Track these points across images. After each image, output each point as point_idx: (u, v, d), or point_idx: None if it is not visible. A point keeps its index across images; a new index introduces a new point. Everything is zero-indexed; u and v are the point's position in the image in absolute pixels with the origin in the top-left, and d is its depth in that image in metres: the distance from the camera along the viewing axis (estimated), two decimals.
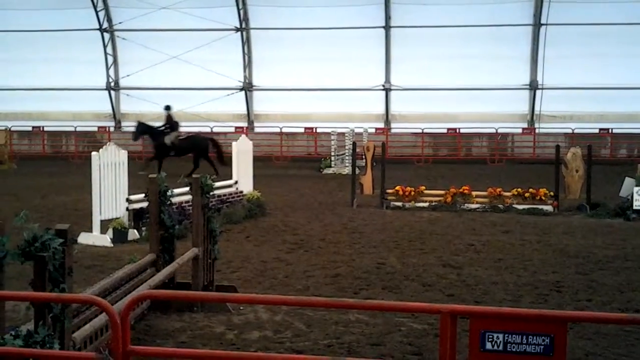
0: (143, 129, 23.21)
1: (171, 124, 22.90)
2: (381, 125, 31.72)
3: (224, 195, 14.38)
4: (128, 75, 32.18)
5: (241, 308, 7.79)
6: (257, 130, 32.15)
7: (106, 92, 32.72)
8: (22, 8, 31.01)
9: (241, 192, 15.21)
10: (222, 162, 22.65)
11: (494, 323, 3.87)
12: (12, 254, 4.83)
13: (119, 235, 12.11)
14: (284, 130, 31.77)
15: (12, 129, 31.52)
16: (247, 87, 32.18)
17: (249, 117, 32.69)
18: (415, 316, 7.41)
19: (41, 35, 31.36)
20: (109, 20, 31.73)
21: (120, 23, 31.56)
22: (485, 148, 31.50)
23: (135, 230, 12.33)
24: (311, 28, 30.43)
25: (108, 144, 12.95)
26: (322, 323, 7.29)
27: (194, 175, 8.56)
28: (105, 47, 32.18)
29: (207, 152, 22.79)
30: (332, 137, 27.04)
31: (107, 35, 31.98)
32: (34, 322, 4.88)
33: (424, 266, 10.12)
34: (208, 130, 31.87)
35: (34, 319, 4.91)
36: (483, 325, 3.88)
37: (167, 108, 23.11)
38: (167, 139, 22.34)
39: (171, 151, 22.49)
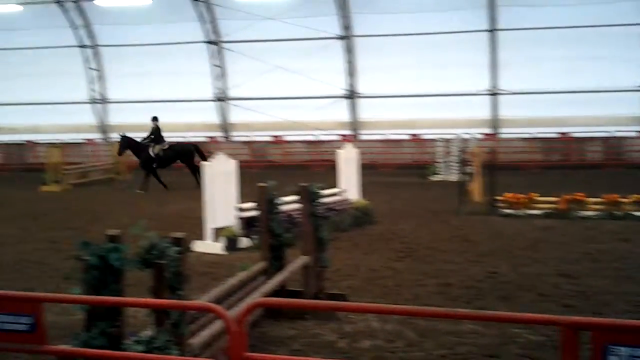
0: (126, 144, 23.01)
1: (156, 135, 22.71)
2: (487, 130, 31.11)
3: (332, 203, 14.42)
4: (235, 86, 32.92)
5: (351, 316, 7.77)
6: (362, 137, 32.16)
7: (215, 103, 33.58)
8: (135, 23, 32.18)
9: (348, 200, 15.22)
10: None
11: (618, 336, 3.69)
12: (131, 262, 4.99)
13: (231, 243, 12.37)
14: (389, 137, 31.68)
15: None
16: (351, 95, 32.28)
17: (354, 124, 32.76)
18: (531, 327, 7.17)
19: (153, 48, 32.48)
20: (216, 32, 32.54)
21: (227, 35, 32.32)
22: (600, 153, 30.29)
23: (246, 238, 12.55)
24: (415, 34, 30.17)
25: (218, 153, 13.25)
26: (434, 333, 7.17)
27: (301, 184, 8.59)
28: (212, 59, 33.02)
29: (192, 158, 22.66)
30: (439, 144, 26.73)
31: (214, 47, 32.80)
32: (154, 328, 5.02)
33: (539, 276, 9.81)
34: (313, 138, 32.23)
35: (153, 325, 5.05)
36: (606, 338, 3.71)
37: (154, 119, 22.93)
38: (151, 151, 22.31)
39: (154, 162, 22.28)
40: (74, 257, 4.95)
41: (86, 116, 34.90)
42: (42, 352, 4.37)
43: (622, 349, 3.67)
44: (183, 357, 4.95)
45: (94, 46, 34.12)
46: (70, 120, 34.70)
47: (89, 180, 25.74)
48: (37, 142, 34.52)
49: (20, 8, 32.10)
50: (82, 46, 33.97)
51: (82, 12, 33.12)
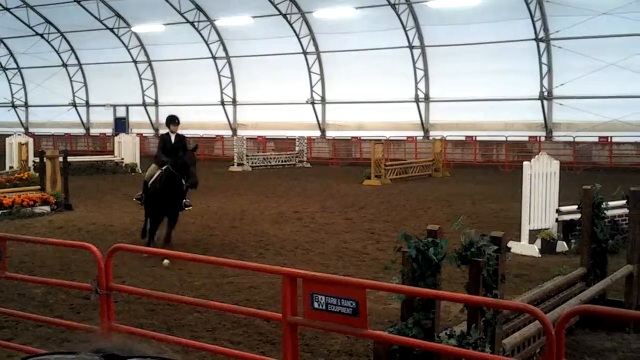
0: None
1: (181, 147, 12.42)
2: None
3: None
4: (562, 84, 31.56)
5: None
6: None
7: (538, 102, 32.53)
8: (460, 23, 32.33)
9: None
10: None
11: None
12: (449, 257, 5.08)
13: (547, 246, 12.00)
14: None
15: (447, 138, 33.31)
16: None
17: None
18: None
19: (478, 47, 32.38)
20: (546, 29, 31.43)
21: (557, 32, 31.03)
22: None
23: (564, 242, 12.08)
24: None
25: (540, 153, 12.91)
26: None
27: (632, 188, 8.03)
28: (540, 56, 31.94)
29: None
30: None
31: (542, 45, 31.73)
32: (467, 324, 5.07)
33: None
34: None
35: (466, 321, 5.10)
36: None
37: (173, 121, 12.79)
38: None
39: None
40: (395, 248, 5.17)
41: (408, 114, 36.01)
42: (363, 335, 4.63)
43: None
44: (497, 357, 4.92)
45: (422, 46, 34.99)
46: (392, 118, 36.09)
47: (408, 176, 26.60)
48: (362, 138, 36.48)
49: (356, 12, 34.14)
50: (411, 47, 34.98)
51: (413, 14, 34.10)
